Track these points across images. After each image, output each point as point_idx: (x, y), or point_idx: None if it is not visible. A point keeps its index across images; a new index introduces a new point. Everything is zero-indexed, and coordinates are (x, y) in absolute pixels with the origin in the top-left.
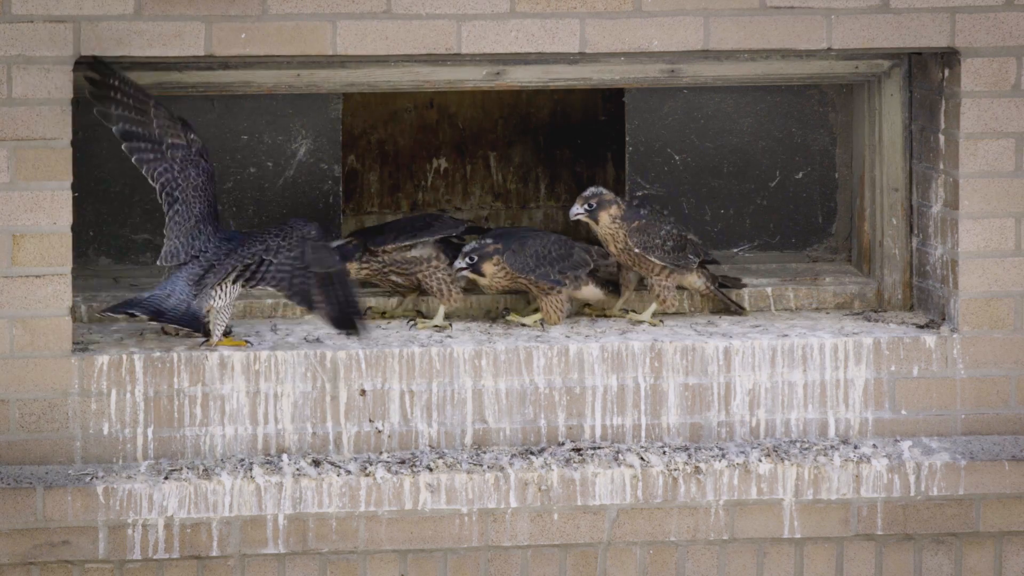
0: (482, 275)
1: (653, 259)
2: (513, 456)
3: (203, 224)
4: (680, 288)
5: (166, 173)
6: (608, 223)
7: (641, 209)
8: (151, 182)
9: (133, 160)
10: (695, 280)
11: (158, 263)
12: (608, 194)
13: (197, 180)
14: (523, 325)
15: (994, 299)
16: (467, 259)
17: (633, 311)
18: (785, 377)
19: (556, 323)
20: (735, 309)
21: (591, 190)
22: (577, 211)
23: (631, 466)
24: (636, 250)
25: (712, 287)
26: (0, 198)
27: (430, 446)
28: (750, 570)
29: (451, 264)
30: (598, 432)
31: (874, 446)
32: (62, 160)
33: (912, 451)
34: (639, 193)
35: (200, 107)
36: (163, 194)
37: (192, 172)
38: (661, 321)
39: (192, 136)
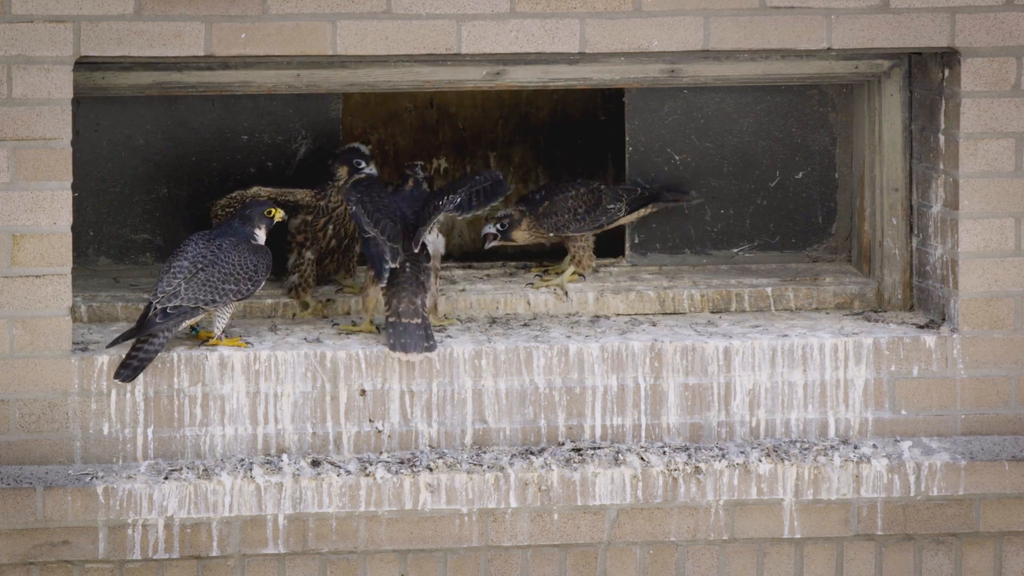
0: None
1: (571, 234)
2: (513, 456)
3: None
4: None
5: None
6: (526, 236)
7: (537, 194)
8: None
9: None
10: (628, 218)
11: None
12: (515, 212)
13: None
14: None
15: (994, 299)
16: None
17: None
18: (785, 377)
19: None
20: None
21: (500, 213)
22: (490, 230)
23: (631, 466)
24: (551, 234)
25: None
26: (0, 198)
27: (430, 446)
28: (750, 570)
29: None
30: (598, 432)
31: (874, 446)
32: (62, 160)
33: (912, 451)
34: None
35: (200, 107)
36: None
37: None
38: (582, 276)
39: None
